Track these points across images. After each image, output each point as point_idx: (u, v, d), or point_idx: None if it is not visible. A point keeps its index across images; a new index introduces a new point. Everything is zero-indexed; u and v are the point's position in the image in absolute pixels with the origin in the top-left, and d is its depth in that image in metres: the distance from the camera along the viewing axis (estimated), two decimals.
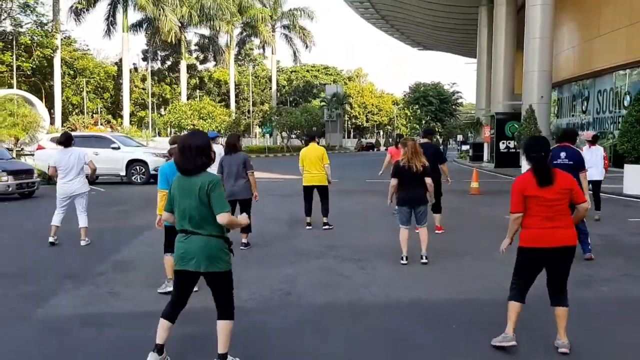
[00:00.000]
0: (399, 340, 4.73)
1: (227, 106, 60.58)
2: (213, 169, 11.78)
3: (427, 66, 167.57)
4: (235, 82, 64.12)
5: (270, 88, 71.19)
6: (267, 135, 59.64)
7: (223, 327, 4.01)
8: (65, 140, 8.72)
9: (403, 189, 7.38)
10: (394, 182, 7.45)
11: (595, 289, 6.26)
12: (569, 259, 4.39)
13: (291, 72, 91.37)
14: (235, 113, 58.67)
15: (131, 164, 20.36)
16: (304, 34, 62.76)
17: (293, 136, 61.46)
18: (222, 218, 3.88)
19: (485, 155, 30.90)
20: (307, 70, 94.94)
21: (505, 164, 25.87)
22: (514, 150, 26.15)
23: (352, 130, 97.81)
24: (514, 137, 25.43)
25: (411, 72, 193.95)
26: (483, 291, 6.19)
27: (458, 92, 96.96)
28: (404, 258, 7.39)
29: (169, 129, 59.56)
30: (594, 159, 10.89)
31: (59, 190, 8.79)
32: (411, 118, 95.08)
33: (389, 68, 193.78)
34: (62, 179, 8.71)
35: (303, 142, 61.06)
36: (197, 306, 4.98)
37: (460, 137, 45.37)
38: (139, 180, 20.28)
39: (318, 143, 10.29)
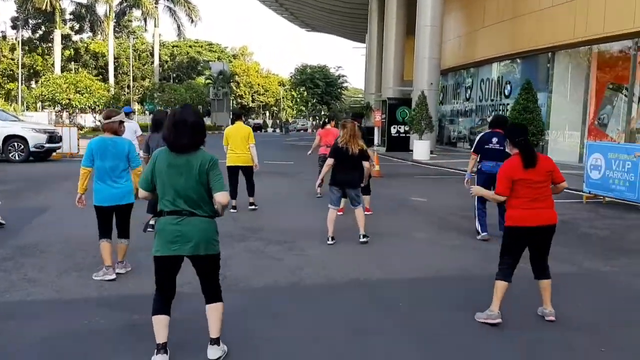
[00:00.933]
0: (352, 322, 4.70)
1: (105, 80, 57.20)
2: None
3: (314, 48, 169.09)
4: (114, 55, 60.62)
5: (152, 63, 68.15)
6: (147, 113, 57.13)
7: (217, 309, 3.89)
8: None
9: (338, 171, 7.40)
10: (330, 161, 7.44)
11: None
12: (550, 236, 4.77)
13: (173, 47, 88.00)
14: (114, 88, 55.59)
15: (8, 140, 18.67)
16: (189, 8, 60.52)
17: None
18: (224, 197, 3.75)
19: (376, 139, 31.71)
20: (190, 46, 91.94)
21: (396, 148, 26.72)
22: (404, 134, 27.11)
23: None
24: (405, 122, 26.38)
25: (297, 53, 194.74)
26: (414, 270, 6.36)
27: (344, 76, 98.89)
28: (330, 239, 7.43)
29: (40, 103, 55.25)
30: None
31: None
32: (298, 100, 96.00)
33: (275, 48, 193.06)
34: None
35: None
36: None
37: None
38: (17, 158, 18.67)
39: (245, 122, 10.05)
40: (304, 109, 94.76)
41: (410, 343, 4.33)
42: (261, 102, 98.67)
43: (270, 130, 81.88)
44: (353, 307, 5.09)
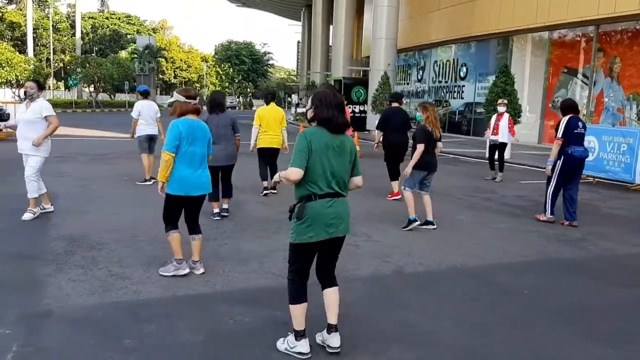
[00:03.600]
0: (493, 310, 4.64)
1: (22, 52, 53.43)
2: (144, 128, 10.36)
3: (237, 25, 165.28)
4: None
5: (72, 35, 64.42)
6: (65, 89, 54.07)
7: (337, 292, 3.87)
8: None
9: (426, 155, 7.30)
10: (421, 147, 7.28)
11: (584, 248, 6.81)
12: None
13: (89, 18, 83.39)
14: (34, 61, 52.04)
15: None
16: None
17: (100, 90, 56.53)
18: (362, 180, 3.84)
19: None
20: (107, 18, 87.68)
21: (353, 128, 26.63)
22: (359, 114, 27.16)
23: (158, 86, 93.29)
24: (360, 102, 26.51)
25: (218, 29, 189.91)
26: (498, 255, 6.34)
27: (269, 53, 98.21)
28: (417, 220, 7.37)
29: None
30: (505, 126, 11.91)
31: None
32: (223, 77, 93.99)
33: (195, 24, 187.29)
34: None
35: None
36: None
37: (295, 99, 45.48)
38: None
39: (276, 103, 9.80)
40: (229, 85, 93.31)
41: (575, 332, 4.31)
42: (183, 78, 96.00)
43: None
44: (478, 295, 5.03)
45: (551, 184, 7.96)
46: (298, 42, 66.11)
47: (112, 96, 58.83)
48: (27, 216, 7.20)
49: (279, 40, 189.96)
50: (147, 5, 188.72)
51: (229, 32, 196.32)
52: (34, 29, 58.48)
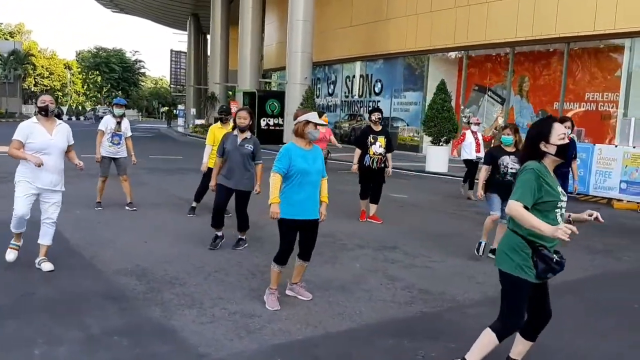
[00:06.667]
0: (625, 329, 4.80)
1: None
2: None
3: (101, 28, 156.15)
4: None
5: None
6: None
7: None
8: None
9: (493, 178, 6.95)
10: (484, 169, 7.01)
11: (620, 259, 7.32)
12: None
13: None
14: None
15: None
16: None
17: None
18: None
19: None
20: None
21: (267, 141, 26.08)
22: (274, 127, 26.93)
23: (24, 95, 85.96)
24: (275, 115, 26.38)
25: (82, 33, 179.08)
26: (574, 272, 6.47)
27: (141, 62, 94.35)
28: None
29: None
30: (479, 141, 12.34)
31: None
32: (90, 85, 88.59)
33: (55, 26, 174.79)
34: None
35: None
36: None
37: (193, 111, 43.50)
38: None
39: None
40: (98, 95, 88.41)
41: None
42: (45, 86, 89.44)
43: (65, 117, 74.00)
44: (593, 311, 5.19)
45: None
46: (172, 50, 63.71)
47: None
48: (50, 266, 5.75)
49: (144, 47, 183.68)
50: (3, 6, 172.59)
51: (92, 37, 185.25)
52: None
